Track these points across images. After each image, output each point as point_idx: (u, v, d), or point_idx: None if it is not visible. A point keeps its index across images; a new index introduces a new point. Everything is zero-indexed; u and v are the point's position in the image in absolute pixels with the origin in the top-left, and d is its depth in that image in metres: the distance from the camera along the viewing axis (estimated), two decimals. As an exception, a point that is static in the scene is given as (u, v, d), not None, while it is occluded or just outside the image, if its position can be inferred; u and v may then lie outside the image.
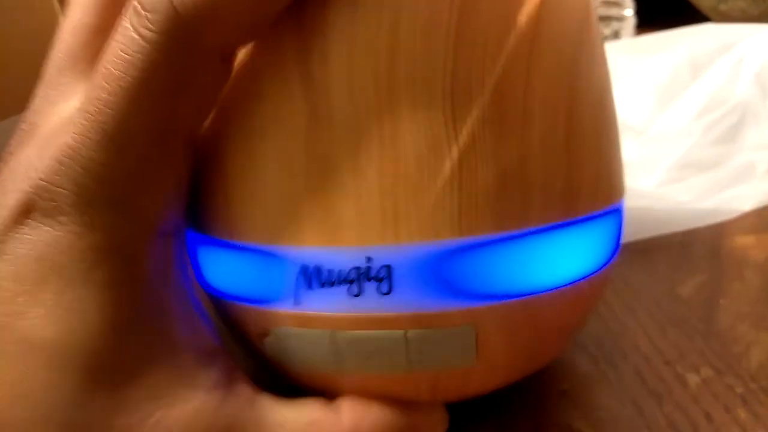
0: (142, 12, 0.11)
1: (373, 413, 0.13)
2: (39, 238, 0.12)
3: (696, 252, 0.25)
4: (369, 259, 0.12)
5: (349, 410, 0.13)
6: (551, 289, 0.13)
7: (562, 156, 0.13)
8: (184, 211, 0.14)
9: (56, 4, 0.21)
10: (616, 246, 0.16)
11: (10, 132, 0.18)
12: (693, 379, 0.18)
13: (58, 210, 0.12)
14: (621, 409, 0.18)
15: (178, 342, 0.13)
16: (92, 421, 0.12)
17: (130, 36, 0.11)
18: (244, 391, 0.13)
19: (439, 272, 0.13)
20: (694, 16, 0.49)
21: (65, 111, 0.13)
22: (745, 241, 0.25)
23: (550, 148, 0.13)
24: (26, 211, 0.12)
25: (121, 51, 0.11)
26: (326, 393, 0.14)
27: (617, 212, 0.15)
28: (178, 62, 0.12)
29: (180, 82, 0.12)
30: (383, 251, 0.12)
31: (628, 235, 0.24)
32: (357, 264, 0.12)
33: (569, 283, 0.14)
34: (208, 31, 0.12)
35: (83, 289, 0.12)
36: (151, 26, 0.11)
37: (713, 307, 0.22)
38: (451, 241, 0.12)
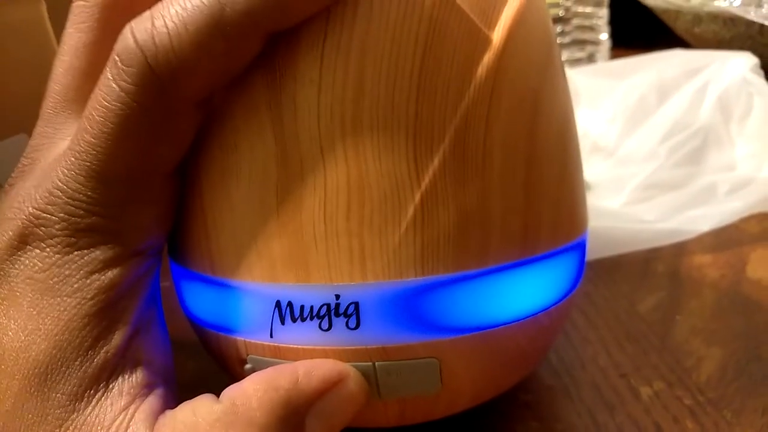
0: (120, 65, 0.12)
1: (250, 391, 0.12)
2: (30, 260, 0.12)
3: (657, 270, 0.25)
4: (338, 296, 0.12)
5: (227, 391, 0.12)
6: (511, 322, 0.13)
7: (521, 198, 0.13)
8: (164, 236, 0.14)
9: (51, 33, 0.21)
10: (578, 278, 0.15)
11: (4, 153, 0.18)
12: (645, 391, 0.19)
13: (48, 234, 0.12)
14: (577, 420, 0.18)
15: (111, 350, 0.12)
16: (17, 429, 0.12)
17: (110, 86, 0.12)
18: (153, 402, 0.12)
19: (404, 308, 0.12)
20: (669, 38, 0.48)
21: (61, 148, 0.14)
22: (703, 259, 0.25)
23: (510, 191, 0.13)
24: (23, 237, 0.12)
25: (103, 99, 0.12)
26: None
27: (578, 246, 0.15)
28: (153, 110, 0.12)
29: (156, 127, 0.12)
30: (351, 289, 0.12)
31: (594, 252, 0.24)
32: (327, 301, 0.12)
33: (529, 316, 0.14)
34: (180, 83, 0.12)
35: (52, 299, 0.12)
36: (127, 78, 0.12)
37: (669, 322, 0.22)
38: (414, 280, 0.12)
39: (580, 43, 0.43)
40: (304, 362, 0.12)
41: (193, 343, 0.17)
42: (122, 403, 0.12)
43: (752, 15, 0.42)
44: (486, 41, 0.13)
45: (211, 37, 0.11)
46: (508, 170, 0.13)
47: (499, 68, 0.13)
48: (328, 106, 0.12)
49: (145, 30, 0.12)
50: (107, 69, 0.12)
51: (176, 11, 0.11)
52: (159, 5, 0.12)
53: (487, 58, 0.13)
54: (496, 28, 0.13)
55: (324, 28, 0.12)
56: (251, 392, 0.12)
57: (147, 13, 0.12)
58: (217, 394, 0.13)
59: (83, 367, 0.12)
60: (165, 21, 0.11)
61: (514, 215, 0.13)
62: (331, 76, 0.12)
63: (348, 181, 0.12)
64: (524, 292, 0.13)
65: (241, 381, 0.12)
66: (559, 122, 0.14)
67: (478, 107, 0.12)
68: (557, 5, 0.42)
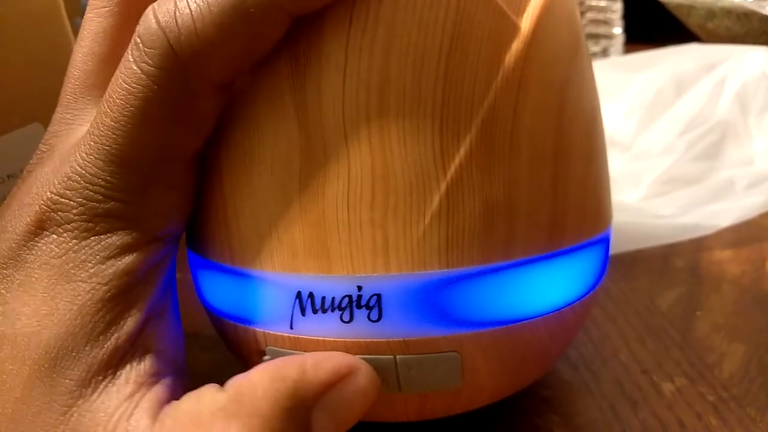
0: (142, 47, 0.11)
1: (256, 380, 0.12)
2: (47, 245, 0.12)
3: (676, 265, 0.24)
4: (360, 288, 0.12)
5: (233, 380, 0.12)
6: (535, 317, 0.13)
7: (548, 190, 0.13)
8: (183, 223, 0.13)
9: (66, 21, 0.20)
10: (602, 272, 0.15)
11: (18, 142, 0.18)
12: (668, 387, 0.18)
13: (66, 219, 0.12)
14: (599, 415, 0.17)
15: (122, 336, 0.12)
16: (25, 416, 0.11)
17: (132, 68, 0.11)
18: (160, 391, 0.12)
19: (427, 301, 0.12)
20: (682, 34, 0.47)
21: (80, 134, 0.13)
22: (722, 255, 0.24)
23: (537, 183, 0.12)
24: (40, 222, 0.12)
25: (124, 82, 0.12)
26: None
27: (603, 241, 0.15)
28: (175, 93, 0.11)
29: (178, 111, 0.12)
30: (373, 281, 0.12)
31: (612, 248, 0.24)
32: (348, 292, 0.12)
33: (553, 311, 0.13)
34: (204, 67, 0.11)
35: (66, 284, 0.12)
36: (149, 61, 0.11)
37: (690, 318, 0.21)
38: (438, 272, 0.12)
39: (594, 37, 0.42)
40: (314, 354, 0.12)
41: (209, 335, 0.16)
42: (128, 391, 0.12)
43: (767, 10, 0.41)
44: (514, 29, 0.12)
45: (234, 19, 0.11)
46: (535, 161, 0.12)
47: (528, 57, 0.12)
48: (353, 92, 0.12)
49: (167, 11, 0.11)
50: (129, 51, 0.12)
51: None
52: None
53: (516, 46, 0.12)
54: (525, 15, 0.12)
55: (350, 13, 0.12)
56: (257, 382, 0.11)
57: None
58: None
59: (93, 353, 0.12)
60: (188, 2, 0.11)
61: (541, 207, 0.12)
62: (356, 61, 0.12)
63: (372, 170, 0.12)
64: (549, 287, 0.13)
65: (248, 371, 0.12)
66: (587, 113, 0.14)
67: (505, 96, 0.12)
68: (572, -1, 0.41)
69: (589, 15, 0.41)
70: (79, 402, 0.11)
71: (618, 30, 0.43)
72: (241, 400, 0.11)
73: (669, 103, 0.30)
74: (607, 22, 0.42)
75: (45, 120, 0.14)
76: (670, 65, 0.32)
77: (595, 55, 0.42)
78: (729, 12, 0.43)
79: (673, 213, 0.25)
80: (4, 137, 0.19)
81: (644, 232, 0.24)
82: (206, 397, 0.12)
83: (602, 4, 0.41)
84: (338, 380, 0.12)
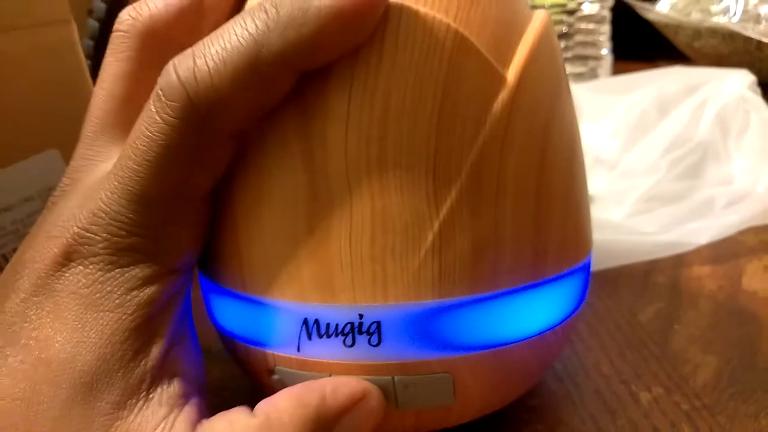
0: (164, 99, 0.12)
1: (282, 407, 0.13)
2: (74, 276, 0.13)
3: (657, 281, 0.25)
4: (361, 316, 0.13)
5: (261, 406, 0.13)
6: (519, 341, 0.14)
7: (531, 226, 0.13)
8: (198, 254, 0.14)
9: (81, 54, 0.21)
10: (582, 297, 0.16)
11: (35, 168, 0.18)
12: (645, 396, 0.19)
13: (91, 253, 0.13)
14: (580, 425, 0.18)
15: (150, 362, 0.13)
16: None
17: (153, 118, 0.12)
18: (191, 411, 0.13)
19: (421, 327, 0.13)
20: (670, 52, 0.48)
21: (102, 170, 0.14)
22: (701, 271, 0.25)
23: (521, 219, 0.13)
24: (67, 254, 0.13)
25: (147, 129, 0.12)
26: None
27: (583, 269, 0.15)
28: (193, 141, 0.12)
29: (195, 156, 0.13)
30: (373, 309, 0.13)
31: (596, 264, 0.25)
32: (351, 320, 0.13)
33: (536, 335, 0.14)
34: (219, 117, 0.12)
35: (95, 313, 0.12)
36: (170, 111, 0.12)
37: (668, 332, 0.22)
38: (431, 302, 0.13)
39: (582, 58, 0.43)
40: (331, 380, 0.13)
41: (218, 349, 0.17)
42: (162, 413, 0.13)
43: (750, 31, 0.42)
44: (501, 80, 0.13)
45: (248, 75, 0.12)
46: (519, 200, 0.13)
47: (513, 105, 0.13)
48: (355, 142, 0.12)
49: (187, 68, 0.12)
50: (151, 102, 0.12)
51: (216, 51, 0.12)
52: (200, 44, 0.12)
53: (502, 96, 0.13)
54: (511, 66, 0.13)
55: (352, 69, 0.12)
56: (283, 408, 0.12)
57: (189, 51, 0.12)
58: (241, 396, 0.13)
59: (125, 378, 0.12)
60: (206, 60, 0.12)
61: (524, 243, 0.13)
62: (357, 115, 0.12)
63: (372, 213, 0.12)
64: (532, 313, 0.14)
65: (272, 396, 0.13)
66: (567, 150, 0.15)
67: (492, 143, 0.13)
68: (561, 22, 0.42)
69: (578, 37, 0.42)
70: (117, 423, 0.12)
71: (606, 51, 0.43)
72: (271, 425, 0.12)
73: (653, 124, 0.31)
74: (595, 44, 0.43)
75: (60, 146, 0.15)
76: (654, 87, 0.32)
77: (583, 75, 0.43)
78: (714, 32, 0.44)
79: (656, 230, 0.26)
80: (21, 163, 0.19)
81: (628, 248, 0.25)
82: (239, 421, 0.12)
83: (591, 26, 0.42)
84: (354, 404, 0.13)
